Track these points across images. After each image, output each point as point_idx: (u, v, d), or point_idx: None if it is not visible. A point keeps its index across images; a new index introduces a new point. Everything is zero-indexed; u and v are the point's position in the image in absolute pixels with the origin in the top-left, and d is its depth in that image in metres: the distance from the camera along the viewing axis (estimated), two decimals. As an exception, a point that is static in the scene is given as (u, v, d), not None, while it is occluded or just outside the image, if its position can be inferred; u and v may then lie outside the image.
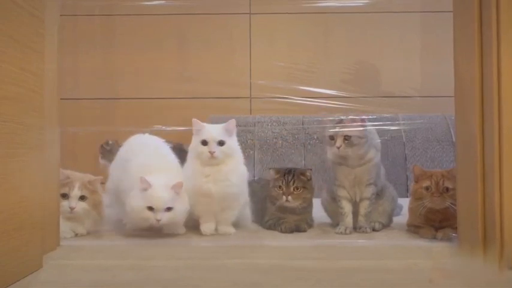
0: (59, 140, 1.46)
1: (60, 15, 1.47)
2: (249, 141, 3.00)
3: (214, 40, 3.34)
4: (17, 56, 1.19)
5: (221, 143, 1.69)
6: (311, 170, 1.79)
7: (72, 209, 1.61)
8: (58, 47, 1.45)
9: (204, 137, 1.70)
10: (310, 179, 1.76)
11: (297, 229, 1.73)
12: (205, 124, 1.75)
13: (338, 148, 1.67)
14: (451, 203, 1.57)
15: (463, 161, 1.45)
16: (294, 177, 1.73)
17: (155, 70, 3.33)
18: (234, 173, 1.71)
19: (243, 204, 1.79)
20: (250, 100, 3.33)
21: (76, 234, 1.64)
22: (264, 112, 3.22)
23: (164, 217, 1.57)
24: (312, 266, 1.34)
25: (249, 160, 2.95)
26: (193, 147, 1.73)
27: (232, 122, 1.73)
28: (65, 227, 1.59)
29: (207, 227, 1.70)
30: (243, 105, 3.30)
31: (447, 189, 1.60)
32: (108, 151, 2.46)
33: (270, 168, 1.81)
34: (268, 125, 3.05)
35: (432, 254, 1.45)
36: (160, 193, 1.59)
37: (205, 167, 1.69)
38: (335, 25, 3.35)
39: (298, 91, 3.11)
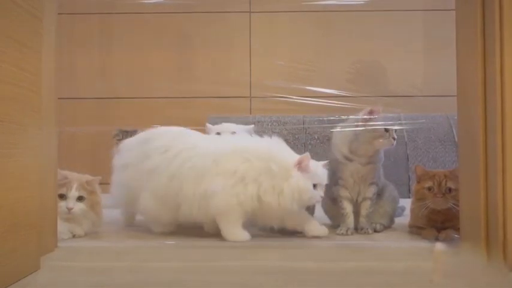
0: (57, 140, 1.45)
1: (58, 14, 1.46)
2: (249, 141, 2.99)
3: (214, 39, 3.33)
4: (15, 55, 1.18)
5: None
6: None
7: (69, 209, 1.59)
8: (56, 46, 1.44)
9: (217, 130, 1.93)
10: None
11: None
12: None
13: (394, 139, 1.70)
14: (454, 204, 1.56)
15: (465, 161, 1.44)
16: None
17: (154, 69, 3.32)
18: None
19: None
20: (250, 99, 3.32)
21: (74, 236, 1.63)
22: (264, 112, 3.21)
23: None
24: (313, 268, 1.33)
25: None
26: None
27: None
28: (63, 228, 1.57)
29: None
30: (243, 105, 3.30)
31: (450, 189, 1.58)
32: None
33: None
34: (268, 124, 3.04)
35: (433, 254, 1.44)
36: (322, 169, 1.62)
37: None
38: (336, 24, 3.34)
39: (299, 90, 3.10)
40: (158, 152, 1.66)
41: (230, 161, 1.59)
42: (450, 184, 1.58)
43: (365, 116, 1.72)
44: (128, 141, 1.83)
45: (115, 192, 1.80)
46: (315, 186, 1.58)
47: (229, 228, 1.60)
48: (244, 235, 1.59)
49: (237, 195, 1.56)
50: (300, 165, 1.57)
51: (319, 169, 1.61)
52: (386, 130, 1.70)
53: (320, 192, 1.59)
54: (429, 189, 1.61)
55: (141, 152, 1.71)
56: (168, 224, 1.70)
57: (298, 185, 1.55)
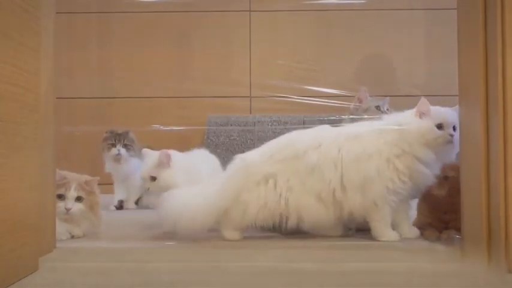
0: (55, 139, 1.44)
1: (56, 13, 1.45)
2: (248, 141, 2.98)
3: (214, 38, 3.32)
4: (13, 54, 1.17)
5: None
6: None
7: (68, 210, 1.59)
8: (54, 45, 1.43)
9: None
10: None
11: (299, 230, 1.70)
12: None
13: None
14: (451, 191, 1.59)
15: (467, 161, 1.43)
16: None
17: (153, 68, 3.31)
18: None
19: None
20: (250, 99, 3.31)
21: (72, 236, 1.62)
22: (264, 111, 3.20)
23: None
24: (313, 268, 1.32)
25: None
26: None
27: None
28: (61, 229, 1.57)
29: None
30: (243, 105, 3.28)
31: (446, 177, 1.61)
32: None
33: None
34: (268, 124, 3.03)
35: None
36: (447, 110, 1.62)
37: None
38: (337, 23, 3.33)
39: (299, 90, 3.09)
40: (312, 148, 1.61)
41: (372, 140, 1.60)
42: (447, 172, 1.61)
43: (356, 104, 1.76)
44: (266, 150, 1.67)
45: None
46: (440, 127, 1.58)
47: (381, 227, 1.59)
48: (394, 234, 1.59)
49: (391, 180, 1.57)
50: (419, 112, 1.60)
51: (443, 110, 1.62)
52: (378, 108, 1.75)
53: (449, 131, 1.57)
54: None
55: (292, 153, 1.62)
56: (334, 226, 1.65)
57: (419, 127, 1.58)
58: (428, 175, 1.59)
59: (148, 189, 1.81)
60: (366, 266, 1.34)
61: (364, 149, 1.58)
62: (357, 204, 1.57)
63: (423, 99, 1.61)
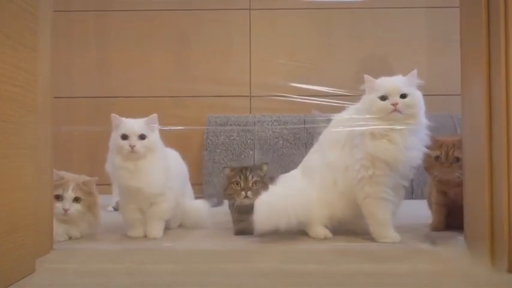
0: (53, 139, 1.43)
1: (54, 11, 1.44)
2: (248, 141, 2.97)
3: (213, 37, 3.31)
4: (9, 53, 1.16)
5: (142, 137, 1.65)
6: (267, 164, 1.77)
7: (66, 211, 1.57)
8: (51, 43, 1.42)
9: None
10: (266, 174, 1.73)
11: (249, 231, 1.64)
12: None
13: None
14: (461, 174, 1.51)
15: (469, 161, 1.42)
16: (251, 172, 1.69)
17: (152, 68, 3.30)
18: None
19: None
20: (250, 99, 3.30)
21: (70, 237, 1.61)
22: (264, 111, 3.18)
23: None
24: (313, 270, 1.31)
25: (249, 160, 2.91)
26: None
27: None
28: (59, 230, 1.56)
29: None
30: (243, 104, 3.27)
31: (457, 159, 1.54)
32: None
33: (224, 167, 1.77)
34: (268, 124, 3.02)
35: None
36: None
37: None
38: (337, 21, 3.32)
39: (300, 89, 3.08)
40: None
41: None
42: (458, 153, 1.53)
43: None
44: None
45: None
46: (384, 99, 1.60)
47: (377, 226, 1.57)
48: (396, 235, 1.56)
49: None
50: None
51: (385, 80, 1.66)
52: None
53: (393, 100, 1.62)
54: (437, 158, 1.57)
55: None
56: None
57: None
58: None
59: (134, 147, 1.62)
60: (366, 267, 1.33)
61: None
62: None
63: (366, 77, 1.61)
